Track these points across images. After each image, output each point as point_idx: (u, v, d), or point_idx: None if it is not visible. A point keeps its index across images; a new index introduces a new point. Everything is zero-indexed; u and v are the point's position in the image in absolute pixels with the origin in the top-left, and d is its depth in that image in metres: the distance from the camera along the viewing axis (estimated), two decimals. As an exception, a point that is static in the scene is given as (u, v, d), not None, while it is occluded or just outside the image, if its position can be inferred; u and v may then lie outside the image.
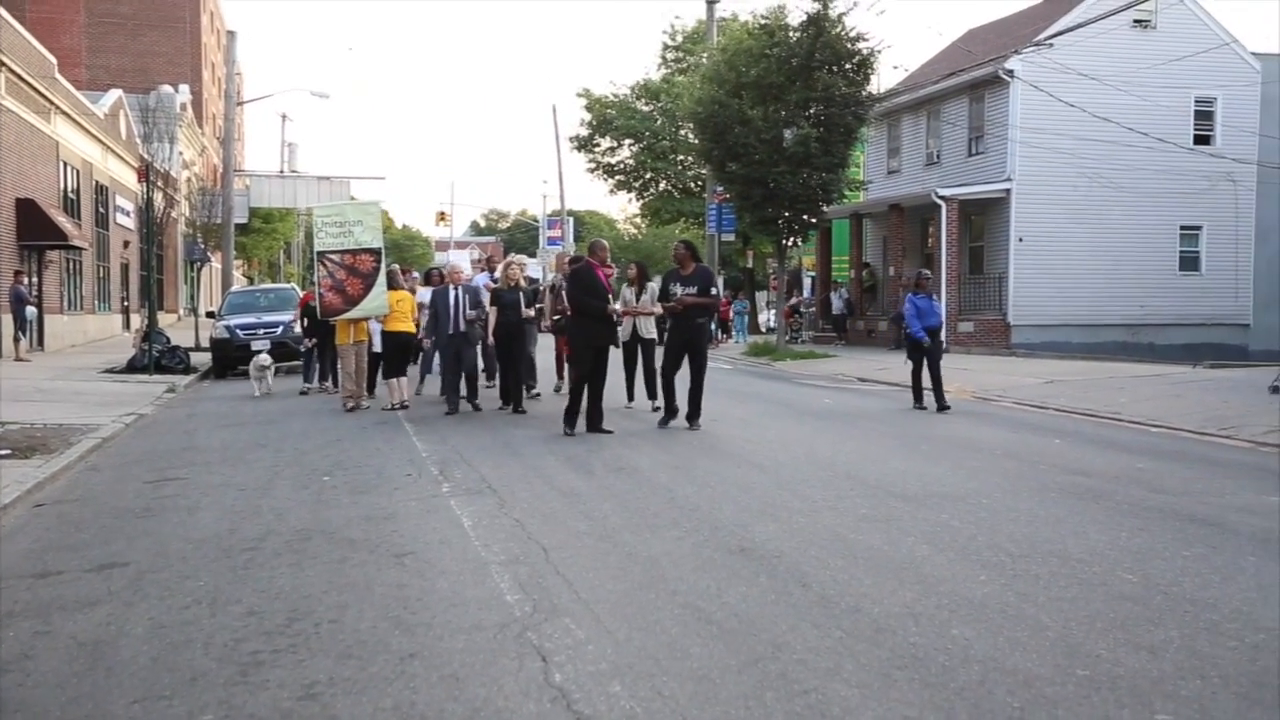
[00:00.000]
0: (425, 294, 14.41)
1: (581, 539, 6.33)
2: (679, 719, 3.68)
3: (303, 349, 16.76)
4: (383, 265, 13.90)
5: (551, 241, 49.25)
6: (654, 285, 12.51)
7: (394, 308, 13.90)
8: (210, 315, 23.37)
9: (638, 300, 12.59)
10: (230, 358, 19.72)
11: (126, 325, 33.13)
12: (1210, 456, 9.86)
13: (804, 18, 23.30)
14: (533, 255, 45.99)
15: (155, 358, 19.67)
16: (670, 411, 11.45)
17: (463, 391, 13.29)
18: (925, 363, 13.44)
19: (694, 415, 11.25)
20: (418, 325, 14.38)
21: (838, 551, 5.93)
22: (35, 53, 24.91)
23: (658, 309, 12.23)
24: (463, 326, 13.00)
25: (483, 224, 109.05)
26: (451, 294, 13.08)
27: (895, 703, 3.78)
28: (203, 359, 21.93)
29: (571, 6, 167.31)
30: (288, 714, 3.83)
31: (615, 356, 11.77)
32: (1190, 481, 8.32)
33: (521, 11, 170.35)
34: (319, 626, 4.80)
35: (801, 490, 7.80)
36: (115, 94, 34.81)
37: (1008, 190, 25.18)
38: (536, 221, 60.17)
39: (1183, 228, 26.37)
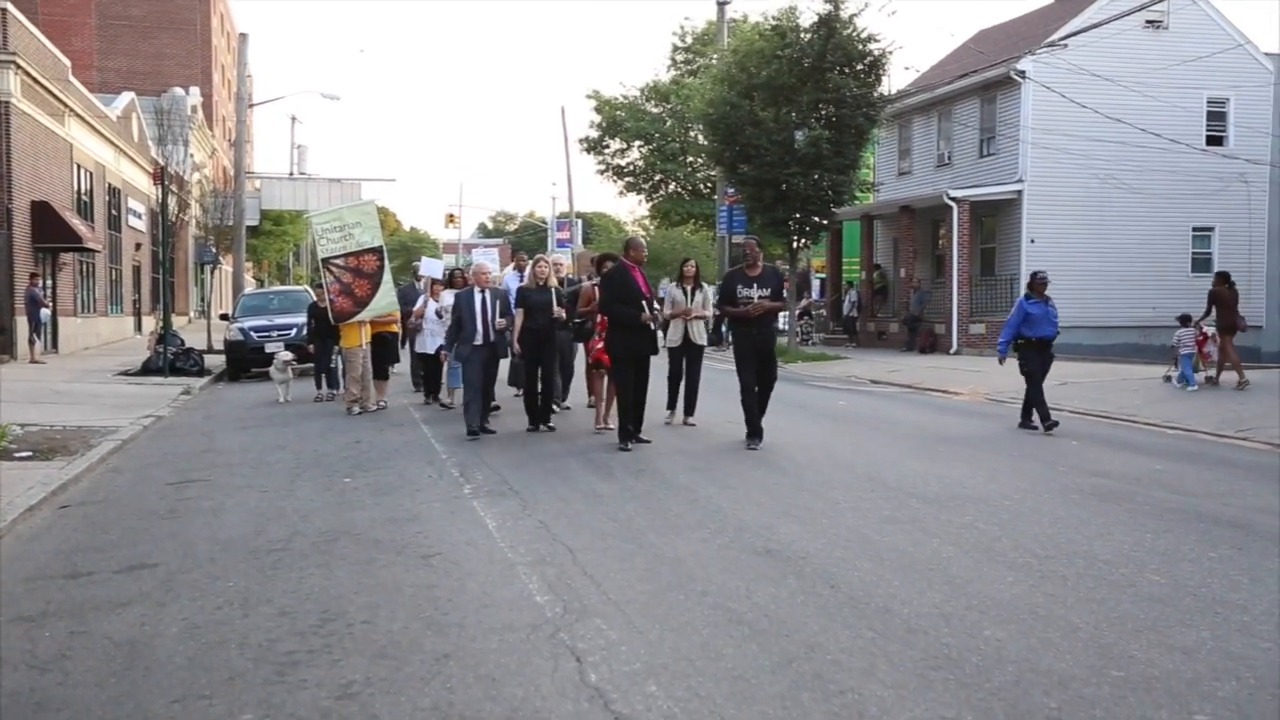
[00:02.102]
0: (449, 297, 13.04)
1: (607, 540, 6.35)
2: (717, 719, 3.70)
3: (311, 348, 16.79)
4: (386, 263, 13.96)
5: (561, 244, 49.25)
6: (709, 288, 11.95)
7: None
8: (224, 318, 23.42)
9: (690, 302, 11.48)
10: (245, 360, 19.87)
11: (138, 327, 33.20)
12: (1228, 458, 9.84)
13: (815, 19, 23.28)
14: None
15: (170, 360, 19.75)
16: (756, 433, 10.07)
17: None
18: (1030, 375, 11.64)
19: (756, 434, 10.06)
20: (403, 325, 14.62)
21: (864, 552, 5.95)
22: (49, 55, 25.00)
23: (709, 312, 11.74)
24: (491, 336, 11.32)
25: (491, 226, 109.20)
26: (477, 298, 11.32)
27: (933, 703, 3.80)
28: (216, 361, 22.00)
29: (581, 8, 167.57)
30: (327, 713, 3.87)
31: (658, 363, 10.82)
32: (1210, 483, 8.31)
33: (531, 13, 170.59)
34: (351, 627, 4.83)
35: (823, 492, 7.81)
36: (128, 96, 34.86)
37: (1019, 191, 25.11)
38: (545, 223, 60.25)
39: (1195, 229, 26.26)
